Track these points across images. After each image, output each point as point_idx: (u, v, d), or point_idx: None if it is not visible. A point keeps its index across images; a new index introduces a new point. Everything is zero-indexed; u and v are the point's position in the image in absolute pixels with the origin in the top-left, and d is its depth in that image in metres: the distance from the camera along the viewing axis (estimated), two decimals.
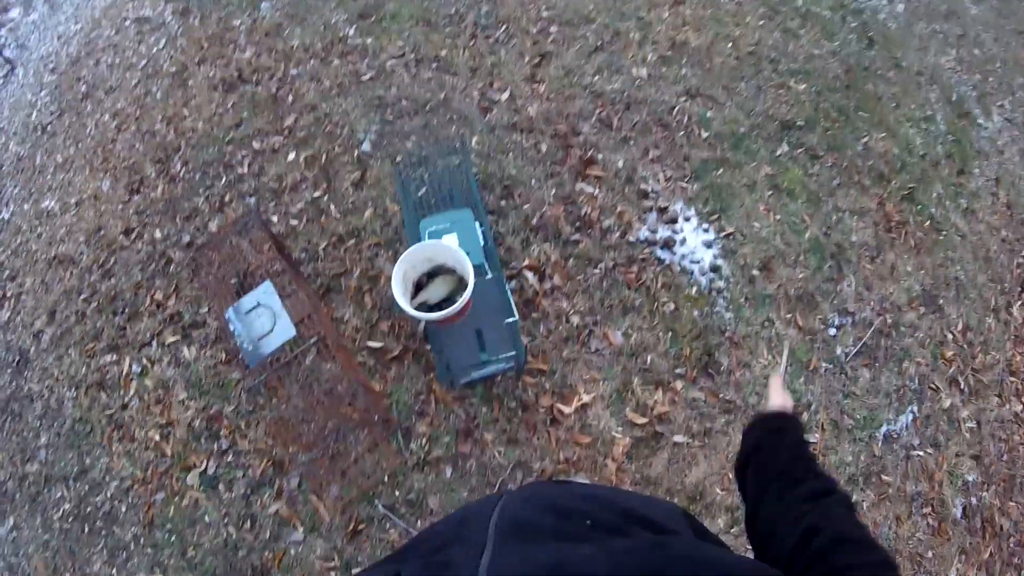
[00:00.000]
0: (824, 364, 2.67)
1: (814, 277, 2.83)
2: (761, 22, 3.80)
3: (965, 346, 2.87)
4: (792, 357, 2.65)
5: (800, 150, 3.24)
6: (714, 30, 3.67)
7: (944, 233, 3.14)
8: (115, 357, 3.09)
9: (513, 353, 2.32)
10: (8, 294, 3.83)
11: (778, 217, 2.95)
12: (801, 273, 2.82)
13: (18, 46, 7.74)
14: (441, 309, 2.11)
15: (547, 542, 0.68)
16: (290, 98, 3.82)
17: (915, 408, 2.68)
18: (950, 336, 2.87)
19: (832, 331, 2.74)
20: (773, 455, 0.98)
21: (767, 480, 0.94)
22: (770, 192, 3.03)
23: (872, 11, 4.32)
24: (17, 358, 3.45)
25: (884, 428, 2.60)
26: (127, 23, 5.97)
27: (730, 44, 3.62)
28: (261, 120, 3.75)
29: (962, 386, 2.77)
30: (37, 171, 4.62)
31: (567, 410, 2.48)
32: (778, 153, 3.19)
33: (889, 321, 2.82)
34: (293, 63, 4.07)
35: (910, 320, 2.85)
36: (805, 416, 2.56)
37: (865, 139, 3.39)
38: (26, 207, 4.35)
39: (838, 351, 2.70)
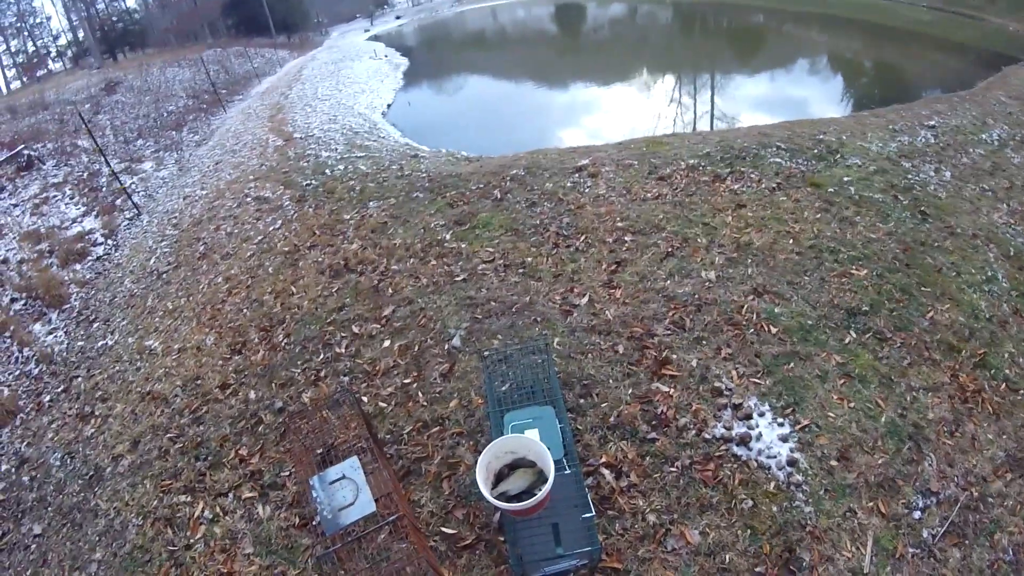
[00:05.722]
0: (911, 549, 2.56)
1: (893, 461, 2.83)
2: (818, 215, 4.13)
3: None
4: (877, 548, 2.58)
5: (868, 335, 3.39)
6: (775, 228, 4.02)
7: (1022, 391, 3.08)
8: (189, 499, 3.25)
9: (588, 549, 2.35)
10: (97, 413, 4.13)
11: (852, 404, 3.05)
12: (880, 459, 2.83)
13: (147, 195, 9.26)
14: (519, 500, 2.24)
15: None
16: (390, 290, 4.34)
17: None
18: None
19: (917, 514, 2.67)
20: None
21: None
22: (842, 380, 3.16)
23: (921, 184, 4.56)
24: (92, 473, 3.63)
25: None
26: (248, 199, 7.07)
27: (791, 240, 3.94)
28: (361, 307, 4.23)
29: None
30: (147, 311, 5.11)
31: None
32: (846, 341, 3.36)
33: (975, 494, 2.73)
34: (395, 259, 4.66)
35: (997, 489, 2.75)
36: None
37: (931, 313, 3.50)
38: (130, 340, 4.77)
39: (924, 534, 2.61)
